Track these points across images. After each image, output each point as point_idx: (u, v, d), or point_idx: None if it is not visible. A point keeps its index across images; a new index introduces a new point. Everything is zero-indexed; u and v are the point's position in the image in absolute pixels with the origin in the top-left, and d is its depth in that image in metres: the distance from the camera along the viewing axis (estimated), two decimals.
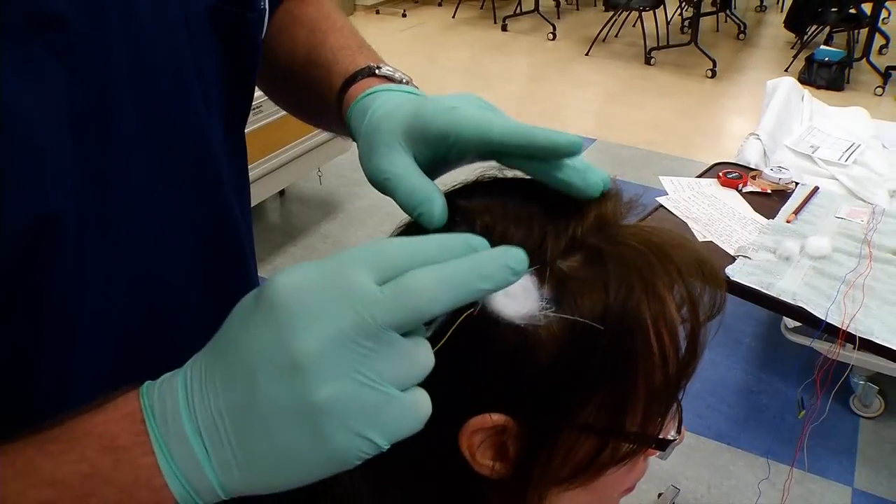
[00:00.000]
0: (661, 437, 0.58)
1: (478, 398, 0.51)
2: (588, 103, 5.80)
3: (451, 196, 0.55)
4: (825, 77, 6.13)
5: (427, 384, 0.43)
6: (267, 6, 0.70)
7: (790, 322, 2.46)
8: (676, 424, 0.61)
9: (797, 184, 2.00)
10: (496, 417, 0.51)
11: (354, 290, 0.41)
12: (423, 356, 0.43)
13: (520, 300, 0.49)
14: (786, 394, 2.73)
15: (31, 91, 0.46)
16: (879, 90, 6.09)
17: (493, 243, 0.46)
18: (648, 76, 6.45)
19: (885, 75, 6.19)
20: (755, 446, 2.51)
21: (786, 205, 1.90)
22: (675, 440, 0.59)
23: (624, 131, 5.14)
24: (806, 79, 6.13)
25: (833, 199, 1.94)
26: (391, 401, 0.41)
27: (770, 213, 1.86)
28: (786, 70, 6.43)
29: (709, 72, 6.37)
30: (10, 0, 0.45)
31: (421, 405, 0.43)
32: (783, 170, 2.04)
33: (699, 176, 2.09)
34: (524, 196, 0.55)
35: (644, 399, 0.54)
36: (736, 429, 2.59)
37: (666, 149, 4.81)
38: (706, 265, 0.57)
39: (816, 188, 1.98)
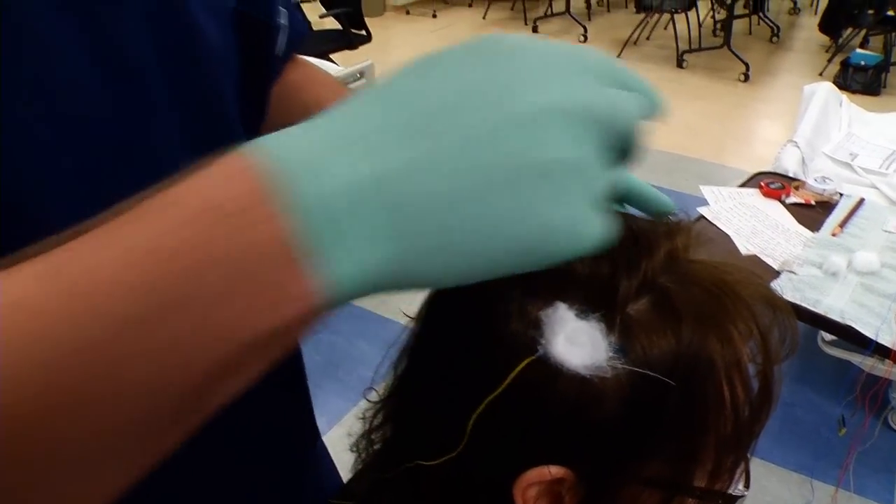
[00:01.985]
0: (729, 492, 0.53)
1: (536, 450, 0.47)
2: None
3: None
4: (861, 81, 6.05)
5: (482, 435, 0.42)
6: (286, 25, 0.68)
7: (827, 335, 2.40)
8: (745, 478, 0.57)
9: (842, 195, 1.95)
10: (555, 470, 0.47)
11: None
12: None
13: (585, 349, 0.45)
14: (821, 407, 2.67)
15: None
16: None
17: (552, 274, 0.40)
18: (680, 79, 6.40)
19: None
20: (790, 461, 2.45)
21: (830, 217, 1.84)
22: (743, 496, 0.55)
23: (656, 135, 5.04)
24: (841, 83, 6.05)
25: (880, 212, 1.89)
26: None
27: (814, 226, 1.81)
28: (820, 74, 6.37)
29: (742, 75, 6.31)
30: None
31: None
32: (827, 180, 1.99)
33: (740, 186, 2.05)
34: None
35: (714, 452, 0.50)
36: (770, 442, 2.54)
37: (698, 153, 4.77)
38: (778, 303, 0.53)
39: (862, 200, 1.93)
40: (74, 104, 0.43)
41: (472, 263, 0.34)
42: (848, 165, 2.79)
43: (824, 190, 1.95)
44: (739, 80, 6.29)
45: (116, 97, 0.46)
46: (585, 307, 0.46)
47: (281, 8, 0.67)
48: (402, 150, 0.32)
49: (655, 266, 0.49)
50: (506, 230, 0.34)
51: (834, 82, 5.97)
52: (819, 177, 2.03)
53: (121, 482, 0.31)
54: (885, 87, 6.13)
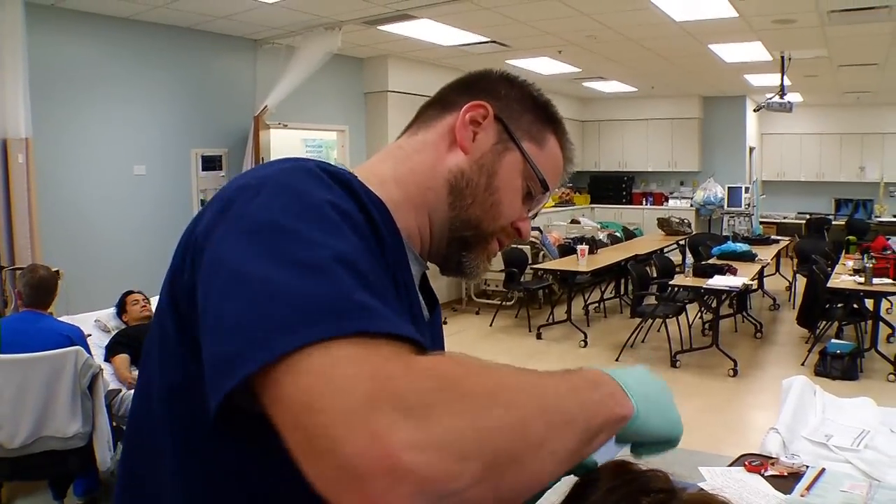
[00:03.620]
0: None
1: None
2: None
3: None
4: (839, 368, 6.60)
5: None
6: None
7: None
8: None
9: (808, 467, 2.48)
10: None
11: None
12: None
13: None
14: None
15: None
16: (892, 377, 6.53)
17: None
18: (675, 378, 6.83)
19: None
20: None
21: (799, 483, 2.36)
22: None
23: None
24: (822, 371, 6.63)
25: (837, 477, 2.41)
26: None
27: (787, 490, 2.32)
28: (802, 364, 6.95)
29: (731, 371, 6.83)
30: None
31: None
32: (795, 456, 2.54)
33: (729, 465, 2.58)
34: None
35: None
36: None
37: (696, 446, 5.08)
38: None
39: (823, 469, 2.46)
40: None
41: (659, 428, 0.88)
42: (824, 445, 3.29)
43: (793, 464, 2.48)
44: (729, 375, 6.83)
45: None
46: None
47: None
48: (644, 392, 0.86)
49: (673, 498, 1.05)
50: (668, 421, 0.90)
51: (815, 371, 6.59)
52: (789, 454, 2.57)
53: (553, 471, 0.73)
54: (862, 371, 6.70)
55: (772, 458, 2.62)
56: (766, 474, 2.46)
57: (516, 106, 1.13)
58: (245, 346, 0.67)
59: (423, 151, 1.13)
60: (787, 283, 10.67)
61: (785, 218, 15.16)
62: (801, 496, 2.28)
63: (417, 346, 0.71)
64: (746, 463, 2.55)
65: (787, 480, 2.40)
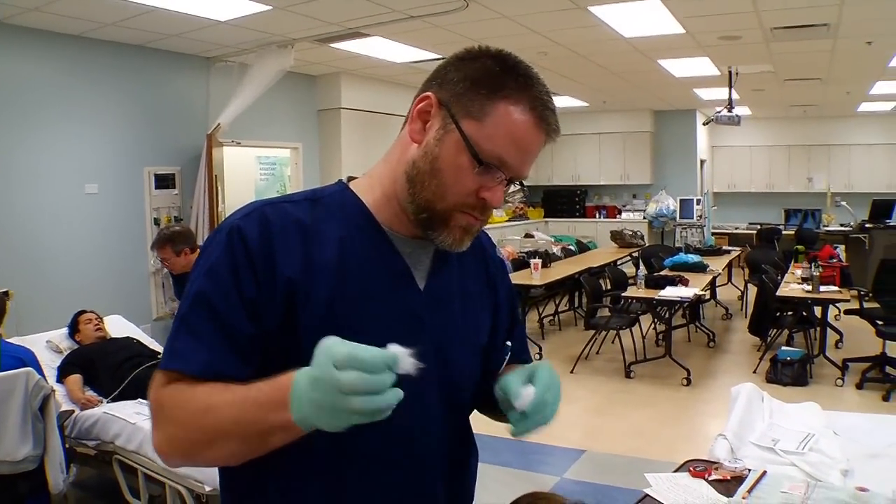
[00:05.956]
0: None
1: None
2: (576, 417, 6.23)
3: None
4: (789, 374, 6.75)
5: None
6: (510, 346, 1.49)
7: None
8: None
9: (750, 470, 2.55)
10: None
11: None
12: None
13: None
14: None
15: None
16: (840, 381, 6.67)
17: None
18: (629, 389, 6.97)
19: (843, 367, 6.86)
20: None
21: (741, 486, 2.43)
22: None
23: (610, 441, 5.59)
24: (773, 377, 6.77)
25: (778, 479, 2.48)
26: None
27: (730, 494, 2.38)
28: (754, 371, 7.10)
29: (684, 380, 6.94)
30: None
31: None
32: (738, 461, 2.60)
33: (675, 471, 2.64)
34: None
35: None
36: None
37: (650, 454, 5.17)
38: None
39: (765, 472, 2.53)
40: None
41: (328, 425, 1.00)
42: (771, 450, 3.37)
43: (736, 468, 2.55)
44: (682, 384, 6.93)
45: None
46: None
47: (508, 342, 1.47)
48: (312, 399, 1.00)
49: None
50: (338, 418, 0.99)
51: (766, 378, 6.73)
52: (732, 459, 2.64)
53: (238, 456, 1.13)
54: (812, 377, 6.86)
55: (716, 462, 2.68)
56: (710, 479, 2.52)
57: (459, 87, 1.21)
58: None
59: (397, 147, 1.30)
60: (739, 293, 10.84)
61: (736, 229, 15.43)
62: (743, 498, 2.34)
63: (189, 371, 1.13)
64: (691, 468, 2.61)
65: (729, 484, 2.47)
